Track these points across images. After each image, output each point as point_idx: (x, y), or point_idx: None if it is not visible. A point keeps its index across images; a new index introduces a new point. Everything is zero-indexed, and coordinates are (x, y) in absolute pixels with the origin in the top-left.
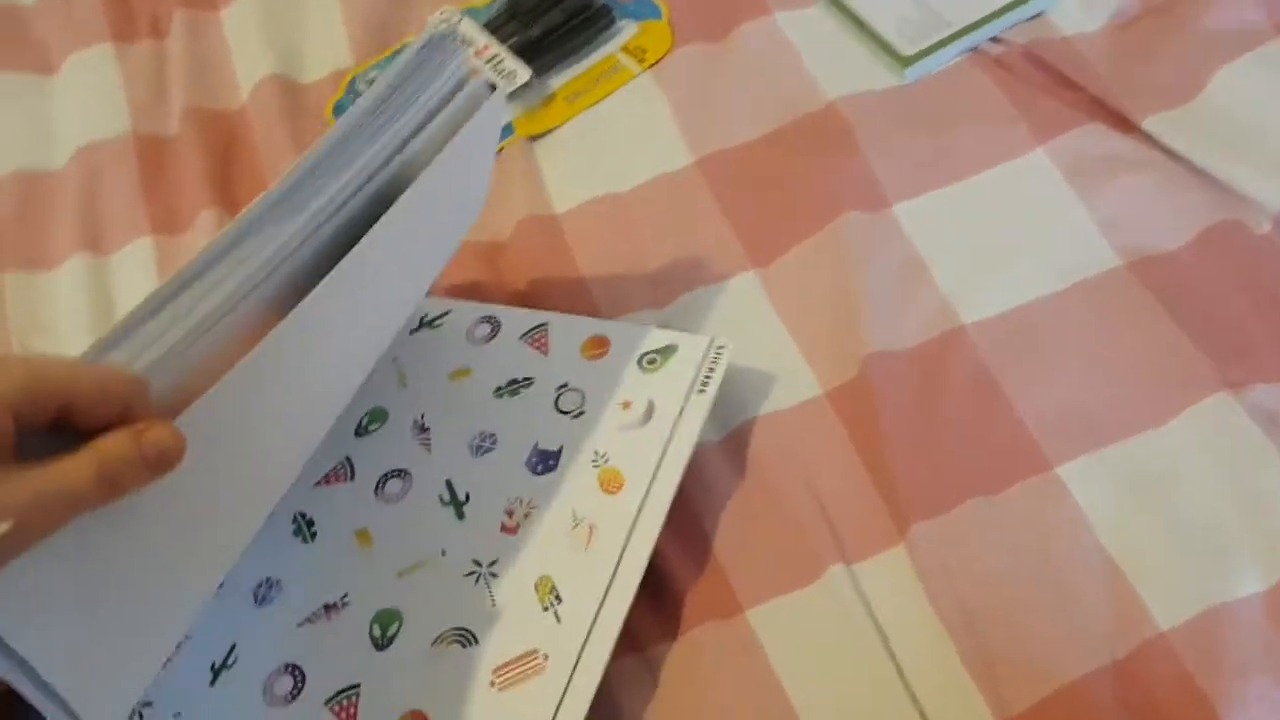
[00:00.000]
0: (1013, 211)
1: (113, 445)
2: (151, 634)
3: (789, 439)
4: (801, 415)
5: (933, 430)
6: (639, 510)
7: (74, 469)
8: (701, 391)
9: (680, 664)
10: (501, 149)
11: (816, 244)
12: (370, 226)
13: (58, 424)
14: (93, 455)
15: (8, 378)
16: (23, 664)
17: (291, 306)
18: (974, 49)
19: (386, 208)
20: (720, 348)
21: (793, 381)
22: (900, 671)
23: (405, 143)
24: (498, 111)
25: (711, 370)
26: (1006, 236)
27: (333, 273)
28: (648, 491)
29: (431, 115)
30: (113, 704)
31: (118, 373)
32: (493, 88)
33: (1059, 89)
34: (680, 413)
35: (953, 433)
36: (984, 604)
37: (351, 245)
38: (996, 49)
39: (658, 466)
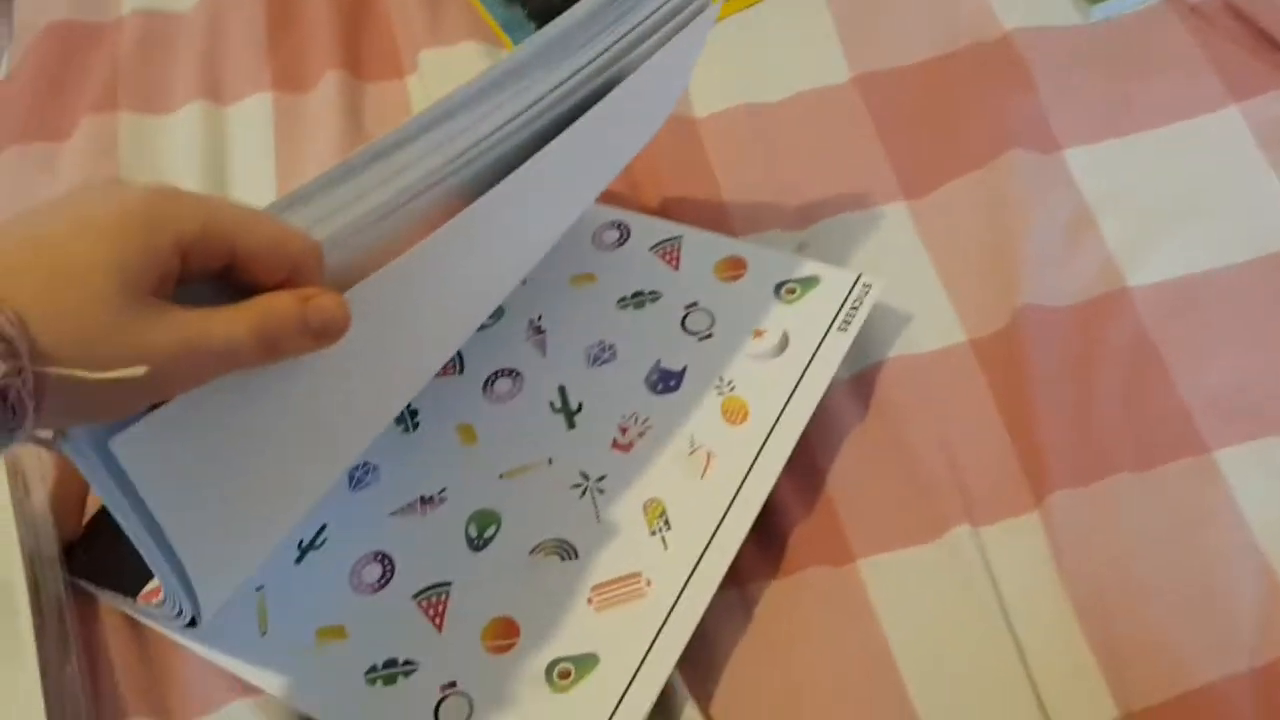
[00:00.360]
0: (1195, 171)
1: (276, 305)
2: (274, 516)
3: (924, 385)
4: (940, 361)
5: (1084, 395)
6: (762, 446)
7: (231, 321)
8: (843, 330)
9: (780, 604)
10: None
11: (977, 180)
12: (563, 127)
13: (224, 274)
14: (253, 311)
15: (187, 217)
16: (150, 521)
17: (471, 199)
18: None
19: (583, 109)
20: (867, 285)
21: (935, 325)
22: (1019, 647)
23: (624, 50)
24: (709, 23)
25: (855, 308)
26: (1185, 197)
27: (521, 169)
28: (773, 427)
29: (656, 24)
30: (225, 582)
31: (295, 232)
32: None
33: (1261, 47)
34: (817, 349)
35: (1105, 401)
36: (1119, 587)
37: (542, 143)
38: None
39: (787, 402)
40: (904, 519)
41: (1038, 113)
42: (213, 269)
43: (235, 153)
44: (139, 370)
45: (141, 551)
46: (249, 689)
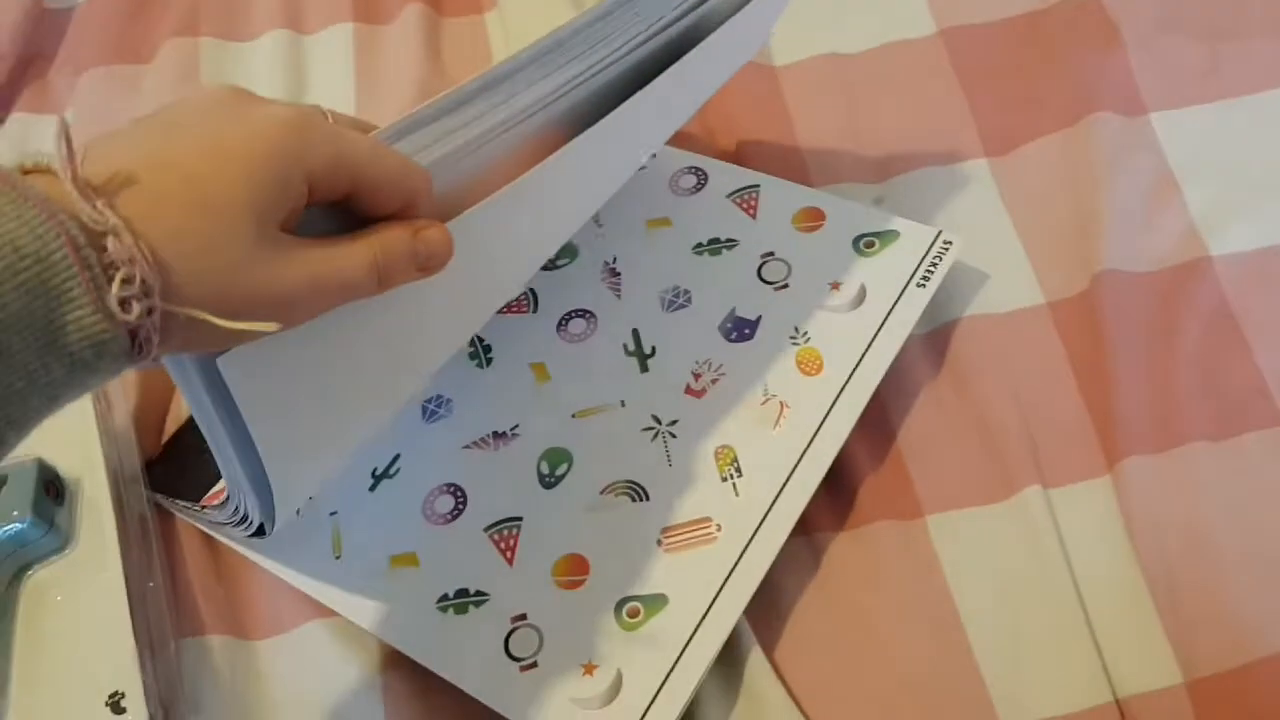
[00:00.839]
0: None
1: (392, 239)
2: (351, 431)
3: (999, 344)
4: (1017, 321)
5: (1162, 362)
6: (836, 398)
7: (352, 256)
8: (921, 286)
9: (848, 556)
10: None
11: (1061, 141)
12: (657, 71)
13: (342, 201)
14: (371, 245)
15: (320, 149)
16: (240, 434)
17: (567, 131)
18: None
19: (674, 55)
20: (947, 243)
21: (1013, 284)
22: (1085, 609)
23: None
24: None
25: (935, 265)
26: (1271, 167)
27: (622, 108)
28: (848, 380)
29: None
30: (298, 495)
31: (414, 165)
32: None
33: None
34: (894, 304)
35: (1182, 369)
36: (1189, 555)
37: (633, 88)
38: None
39: (862, 356)
40: (975, 477)
41: (1125, 75)
42: (337, 197)
43: (314, 81)
44: (271, 326)
45: (221, 464)
46: (322, 611)
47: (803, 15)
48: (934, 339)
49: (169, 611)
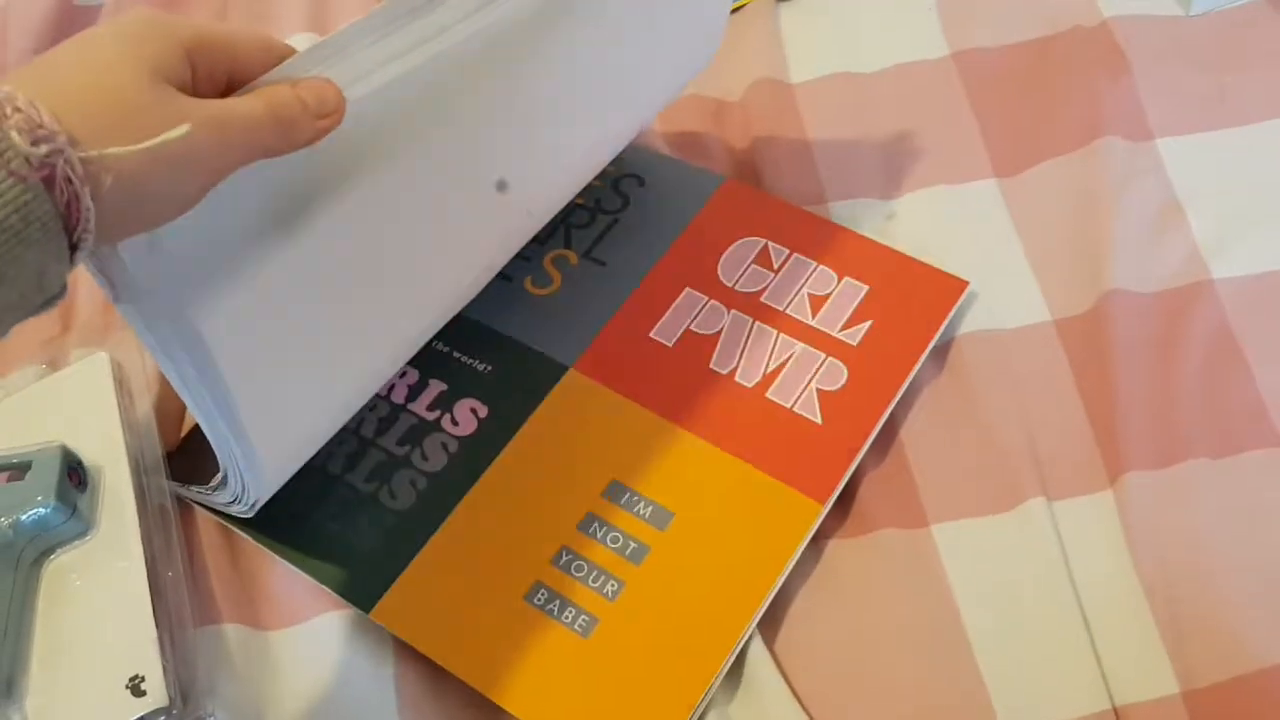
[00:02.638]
0: None
1: (277, 88)
2: (334, 388)
3: (1006, 360)
4: (1025, 338)
5: (1164, 381)
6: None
7: (246, 101)
8: None
9: (852, 562)
10: (745, 5)
11: (1069, 163)
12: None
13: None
14: (260, 93)
15: (181, 25)
16: (214, 385)
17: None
18: None
19: None
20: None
21: (1021, 302)
22: (1085, 619)
23: None
24: None
25: None
26: (1274, 194)
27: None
28: None
29: None
30: (284, 461)
31: (278, 41)
32: None
33: None
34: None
35: (1184, 388)
36: (1187, 569)
37: None
38: None
39: None
40: (979, 488)
41: (1133, 101)
42: (219, 81)
43: None
44: (183, 128)
45: (203, 423)
46: (337, 603)
47: (819, 34)
48: (943, 353)
49: (188, 599)
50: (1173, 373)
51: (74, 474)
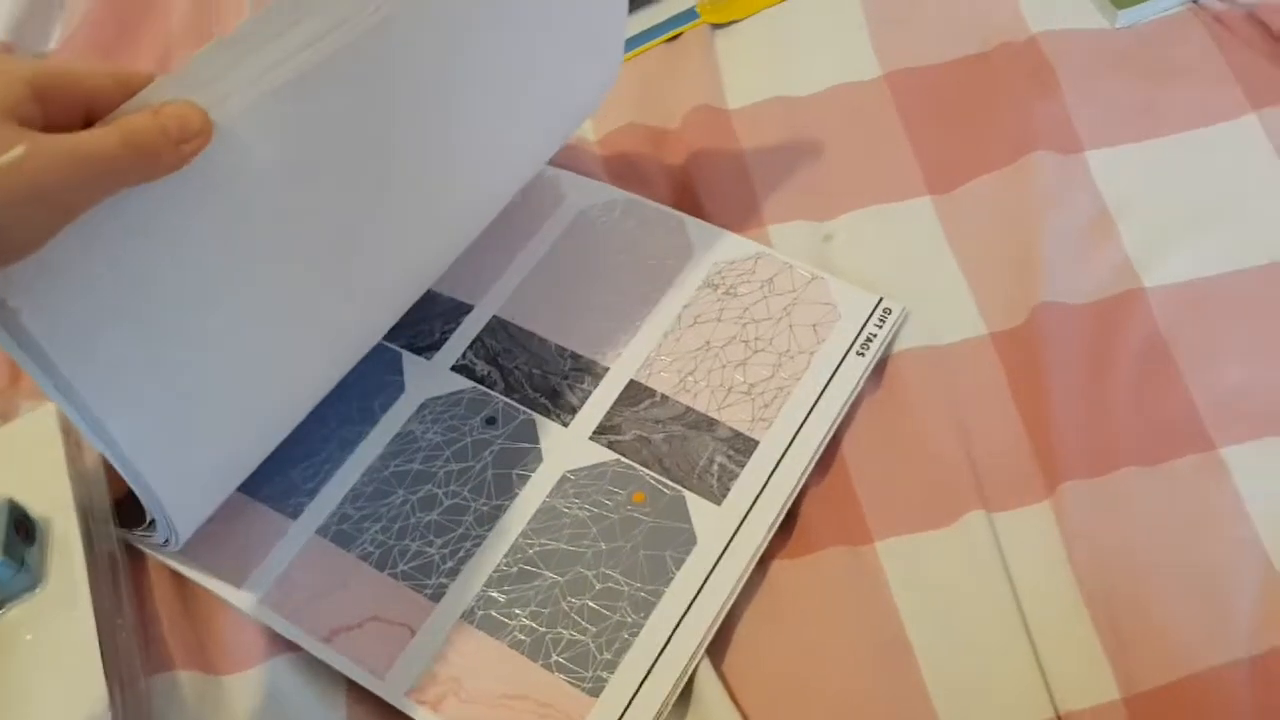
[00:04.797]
0: (1213, 177)
1: (135, 117)
2: (233, 413)
3: (944, 375)
4: (961, 353)
5: (1098, 391)
6: (779, 460)
7: (98, 134)
8: (860, 355)
9: (798, 582)
10: (682, 34)
11: (1001, 178)
12: None
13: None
14: (115, 124)
15: (19, 65)
16: (106, 434)
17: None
18: (1195, 1)
19: None
20: (887, 310)
21: (956, 318)
22: (1028, 629)
23: None
24: None
25: (874, 333)
26: (1203, 202)
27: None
28: (789, 445)
29: None
30: (197, 493)
31: (133, 71)
32: None
33: None
34: (834, 373)
35: (1118, 397)
36: (1125, 575)
37: None
38: (1219, 5)
39: (801, 424)
40: (921, 503)
41: (1062, 115)
42: (75, 119)
43: None
44: (17, 150)
45: (110, 458)
46: (289, 646)
47: (755, 60)
48: (881, 370)
49: (139, 648)
50: (1106, 382)
51: (21, 527)
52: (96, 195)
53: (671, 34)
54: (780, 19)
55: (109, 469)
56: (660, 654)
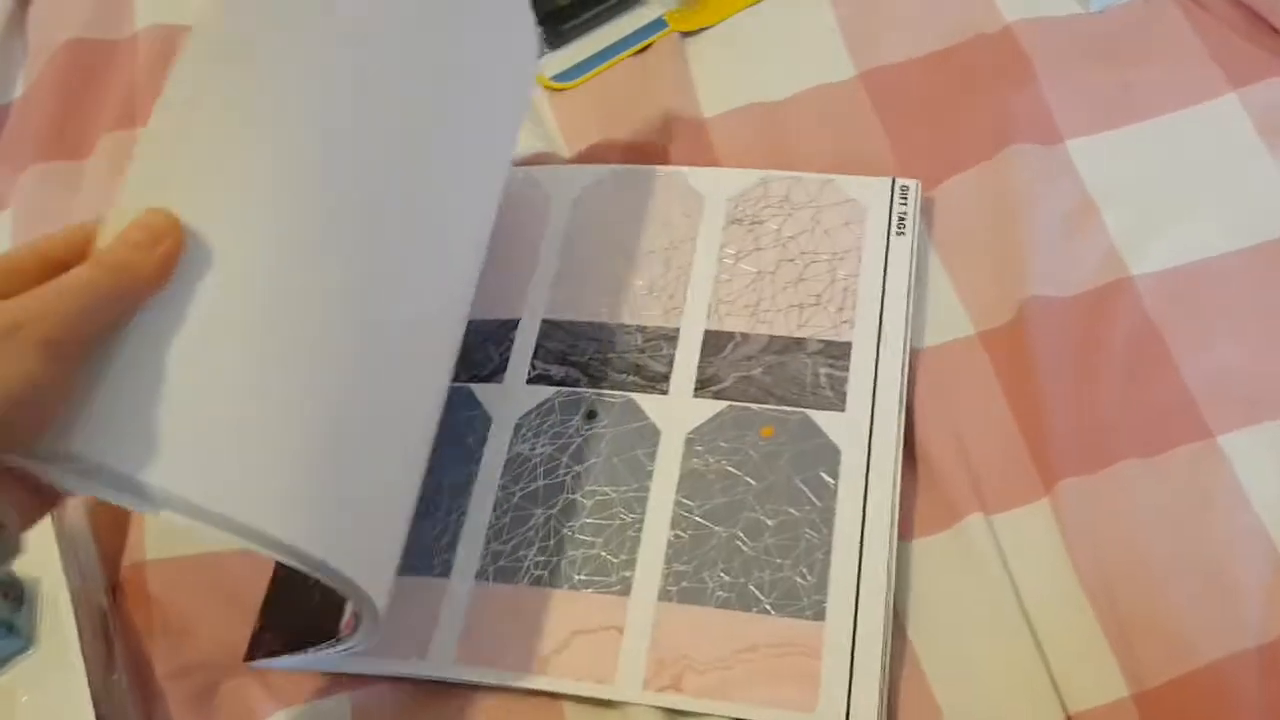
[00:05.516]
0: (1196, 160)
1: (98, 248)
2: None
3: (933, 377)
4: (949, 354)
5: (1090, 384)
6: (877, 350)
7: (69, 274)
8: (901, 234)
9: None
10: (651, 44)
11: (981, 173)
12: None
13: None
14: (87, 260)
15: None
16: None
17: None
18: None
19: None
20: (905, 188)
21: (942, 317)
22: (1032, 630)
23: None
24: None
25: (904, 211)
26: (1186, 186)
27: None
28: (879, 334)
29: None
30: (375, 559)
31: (84, 222)
32: None
33: (1258, 33)
34: (886, 259)
35: (1111, 389)
36: (1128, 570)
37: None
38: None
39: (881, 312)
40: (918, 509)
41: (1040, 104)
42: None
43: None
44: None
45: (300, 566)
46: (288, 700)
47: (727, 66)
48: None
49: (134, 704)
50: (1099, 374)
51: (8, 591)
52: (96, 324)
53: (641, 45)
54: (751, 24)
55: (96, 525)
56: (860, 557)
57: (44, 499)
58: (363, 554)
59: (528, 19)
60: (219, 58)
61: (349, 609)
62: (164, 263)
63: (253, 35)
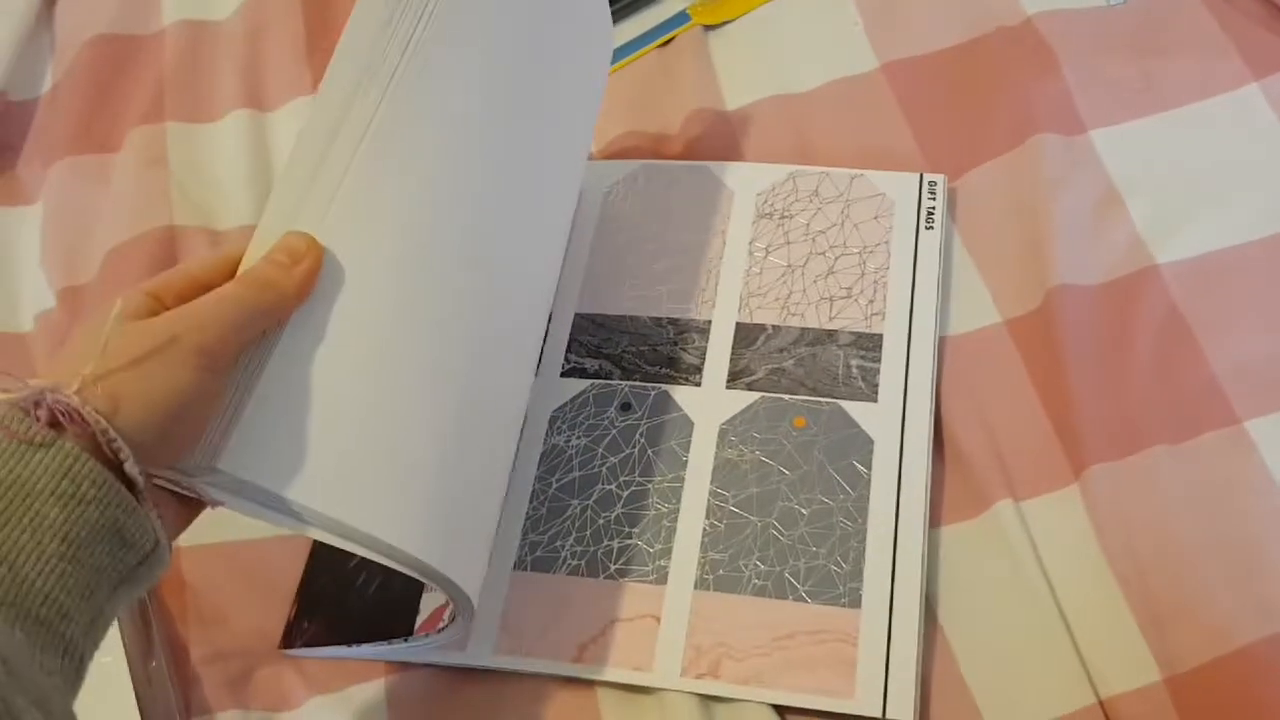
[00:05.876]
0: (1219, 149)
1: (248, 266)
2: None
3: (962, 365)
4: (977, 342)
5: (1118, 371)
6: (908, 343)
7: (220, 288)
8: (930, 229)
9: None
10: (674, 37)
11: (1005, 164)
12: None
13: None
14: (237, 278)
15: (141, 284)
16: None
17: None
18: None
19: None
20: (932, 183)
21: (970, 306)
22: (1063, 616)
23: None
24: None
25: (932, 206)
26: (1210, 175)
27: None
28: (910, 327)
29: None
30: (469, 551)
31: (236, 245)
32: None
33: (1278, 24)
34: (915, 253)
35: (1139, 376)
36: (1158, 556)
37: None
38: None
39: (911, 306)
40: (948, 496)
41: (1063, 95)
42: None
43: (279, 157)
44: (115, 305)
45: (400, 567)
46: (325, 687)
47: (750, 59)
48: None
49: (175, 690)
50: (1126, 362)
51: None
52: (237, 338)
53: (664, 39)
54: (773, 17)
55: None
56: (895, 545)
57: (189, 512)
58: (471, 561)
59: (604, 10)
60: (354, 88)
61: (425, 608)
62: (305, 279)
63: (383, 64)
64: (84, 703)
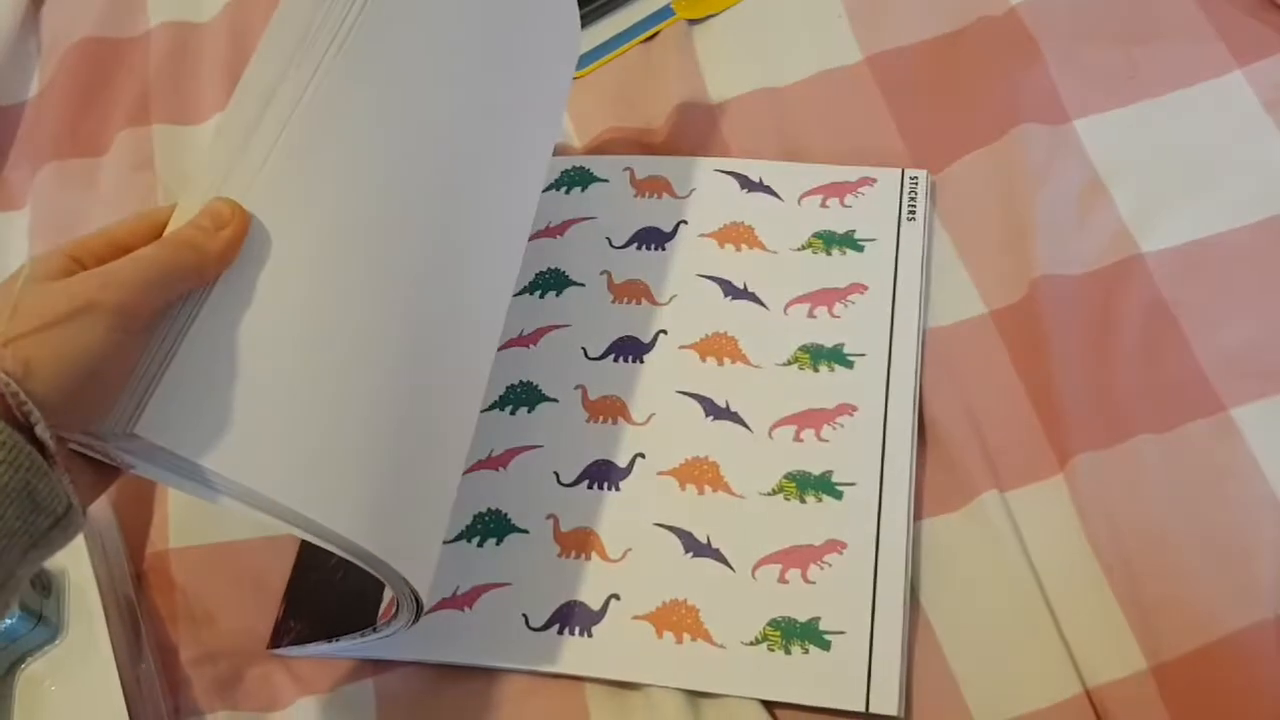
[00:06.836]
0: (1202, 136)
1: (171, 229)
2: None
3: (946, 356)
4: (962, 333)
5: (1103, 361)
6: (891, 311)
7: (141, 250)
8: (912, 219)
9: None
10: (659, 32)
11: (989, 154)
12: None
13: None
14: (159, 240)
15: (60, 246)
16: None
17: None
18: None
19: None
20: (914, 178)
21: (954, 297)
22: (1049, 605)
23: None
24: None
25: (914, 196)
26: (1194, 163)
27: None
28: (893, 299)
29: None
30: (420, 548)
31: (155, 209)
32: None
33: (1263, 10)
34: (897, 243)
35: (1124, 365)
36: (1144, 545)
37: None
38: None
39: (895, 283)
40: (933, 487)
41: (1047, 85)
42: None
43: None
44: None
45: (340, 551)
46: (312, 688)
47: (734, 53)
48: None
49: (164, 692)
50: (1111, 351)
51: (36, 581)
52: (155, 298)
53: (648, 34)
54: (757, 10)
55: (121, 514)
56: (878, 538)
57: (104, 477)
58: (411, 547)
59: (572, 8)
60: (293, 53)
61: (386, 596)
62: (229, 244)
63: (321, 31)
64: (73, 706)
